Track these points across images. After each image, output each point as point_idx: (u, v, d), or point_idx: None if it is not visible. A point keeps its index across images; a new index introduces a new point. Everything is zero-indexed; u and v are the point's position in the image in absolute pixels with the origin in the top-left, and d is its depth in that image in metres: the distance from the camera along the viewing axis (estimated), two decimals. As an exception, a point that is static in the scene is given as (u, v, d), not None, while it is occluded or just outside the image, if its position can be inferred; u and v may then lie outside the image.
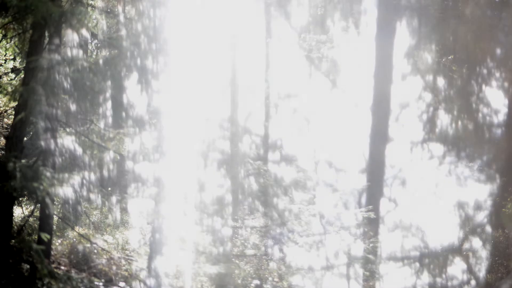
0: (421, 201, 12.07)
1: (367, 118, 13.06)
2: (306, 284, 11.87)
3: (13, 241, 10.07)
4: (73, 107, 10.35)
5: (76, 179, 9.93)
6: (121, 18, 11.26)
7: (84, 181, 10.15)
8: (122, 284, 11.53)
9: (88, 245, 12.04)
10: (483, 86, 12.37)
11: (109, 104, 10.27)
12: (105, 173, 10.71)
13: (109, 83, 10.04)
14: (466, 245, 11.81)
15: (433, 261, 11.78)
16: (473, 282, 11.72)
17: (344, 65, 13.52)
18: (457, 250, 11.59)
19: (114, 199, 11.03)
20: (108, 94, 10.09)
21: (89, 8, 10.85)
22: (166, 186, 10.71)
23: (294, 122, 14.25)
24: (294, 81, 14.35)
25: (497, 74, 12.63)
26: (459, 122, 12.37)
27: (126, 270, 11.94)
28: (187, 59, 11.58)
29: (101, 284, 11.19)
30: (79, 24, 9.89)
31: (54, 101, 9.73)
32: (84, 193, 10.19)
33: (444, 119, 12.32)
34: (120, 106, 10.17)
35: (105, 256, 12.05)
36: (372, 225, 12.34)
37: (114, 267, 11.93)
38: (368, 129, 12.87)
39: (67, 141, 10.47)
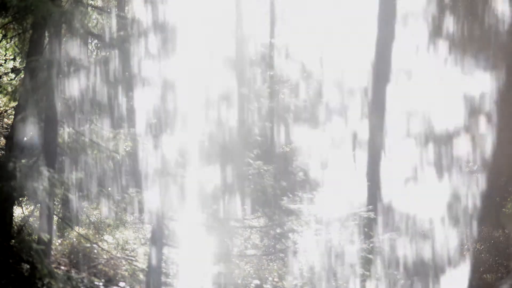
0: (427, 92, 12.09)
1: (374, 23, 13.03)
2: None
3: (13, 241, 10.07)
4: (73, 107, 10.36)
5: (76, 179, 9.94)
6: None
7: (84, 181, 10.16)
8: (122, 284, 11.52)
9: (88, 245, 12.03)
10: None
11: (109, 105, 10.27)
12: (105, 172, 10.71)
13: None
14: (473, 129, 11.88)
15: (439, 140, 11.87)
16: (478, 162, 11.86)
17: None
18: (462, 131, 11.67)
19: (114, 198, 11.03)
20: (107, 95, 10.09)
21: (89, 8, 10.85)
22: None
23: (300, 25, 14.24)
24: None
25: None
26: (465, 27, 12.38)
27: (126, 270, 11.94)
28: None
29: (101, 284, 11.19)
30: (79, 24, 9.88)
31: (54, 101, 9.73)
32: (84, 193, 10.20)
33: (450, 22, 12.33)
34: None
35: (105, 256, 12.05)
36: (378, 111, 12.38)
37: (114, 267, 11.93)
38: (375, 30, 12.84)
39: (67, 141, 10.48)
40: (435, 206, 11.64)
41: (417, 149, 12.03)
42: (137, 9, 10.35)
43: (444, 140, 11.90)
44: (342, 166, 12.64)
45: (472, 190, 11.71)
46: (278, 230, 12.96)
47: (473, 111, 11.89)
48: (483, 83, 11.99)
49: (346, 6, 13.79)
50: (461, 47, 12.14)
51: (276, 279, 12.55)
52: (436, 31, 12.45)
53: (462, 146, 11.86)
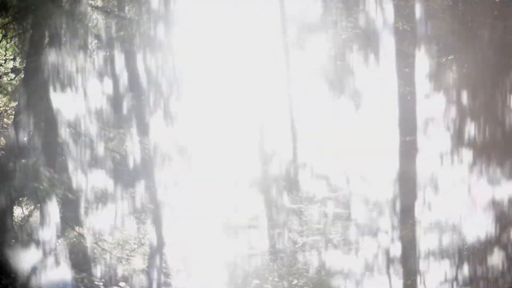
0: (455, 203, 12.16)
1: (395, 135, 13.19)
2: (348, 285, 12.09)
3: (13, 241, 10.07)
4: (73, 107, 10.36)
5: (76, 178, 9.95)
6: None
7: (84, 181, 10.16)
8: (122, 284, 11.53)
9: (88, 245, 12.03)
10: (508, 96, 12.52)
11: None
12: (105, 172, 10.72)
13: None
14: (504, 237, 11.87)
15: (472, 253, 11.85)
16: None
17: (367, 91, 13.75)
18: (495, 242, 11.65)
19: (114, 198, 11.04)
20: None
21: (89, 8, 10.85)
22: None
23: (321, 145, 14.55)
24: (320, 106, 14.74)
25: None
26: (487, 130, 12.46)
27: (126, 270, 11.94)
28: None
29: (101, 284, 11.19)
30: (79, 24, 9.89)
31: (54, 101, 9.74)
32: (84, 193, 10.20)
33: (471, 130, 12.44)
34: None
35: (105, 256, 12.05)
36: (408, 229, 12.53)
37: (114, 267, 11.94)
38: (396, 145, 13.01)
39: (67, 141, 10.49)
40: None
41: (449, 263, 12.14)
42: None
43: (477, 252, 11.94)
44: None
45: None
46: (278, 230, 12.99)
47: (503, 218, 11.95)
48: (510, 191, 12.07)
49: (364, 116, 13.89)
50: (485, 155, 12.21)
51: (276, 279, 12.55)
52: (458, 139, 12.53)
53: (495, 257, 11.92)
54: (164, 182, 10.67)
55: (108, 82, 10.20)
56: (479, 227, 11.69)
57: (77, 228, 12.49)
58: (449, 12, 13.01)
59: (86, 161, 10.70)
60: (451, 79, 13.00)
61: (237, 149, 13.64)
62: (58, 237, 12.04)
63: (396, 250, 12.42)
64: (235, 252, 12.17)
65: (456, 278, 11.65)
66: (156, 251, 10.89)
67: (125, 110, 10.92)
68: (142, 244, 12.96)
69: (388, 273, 12.06)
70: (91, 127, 11.20)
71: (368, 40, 13.08)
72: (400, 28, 13.31)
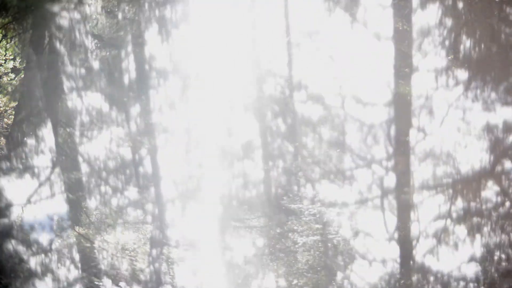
0: (450, 128, 11.98)
1: (390, 50, 12.99)
2: (341, 219, 11.95)
3: (13, 241, 10.07)
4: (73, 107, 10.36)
5: (76, 179, 9.93)
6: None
7: (84, 181, 10.15)
8: (122, 284, 11.53)
9: (88, 245, 12.03)
10: (504, 6, 12.27)
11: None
12: (105, 172, 10.71)
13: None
14: (498, 168, 11.72)
15: (466, 186, 11.71)
16: (507, 204, 11.66)
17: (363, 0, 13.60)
18: (489, 173, 11.51)
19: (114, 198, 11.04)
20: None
21: (89, 8, 10.85)
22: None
23: (317, 60, 14.34)
24: (314, 19, 14.52)
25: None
26: (482, 45, 12.24)
27: (126, 270, 11.94)
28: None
29: (101, 284, 11.19)
30: (79, 24, 9.88)
31: (55, 101, 9.74)
32: (85, 193, 10.19)
33: (466, 44, 12.23)
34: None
35: (105, 256, 12.05)
36: (403, 156, 12.35)
37: (114, 267, 11.93)
38: (392, 60, 12.83)
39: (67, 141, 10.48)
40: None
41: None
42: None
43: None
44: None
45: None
46: (278, 230, 12.98)
47: (498, 145, 11.82)
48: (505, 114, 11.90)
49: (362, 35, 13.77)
50: (480, 73, 12.06)
51: (276, 279, 12.54)
52: (454, 56, 12.38)
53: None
54: (160, 104, 10.50)
55: (107, 83, 10.20)
56: (473, 155, 11.56)
57: (77, 228, 12.49)
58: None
59: (86, 160, 10.70)
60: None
61: (232, 67, 13.27)
62: (58, 237, 12.06)
63: (391, 181, 12.26)
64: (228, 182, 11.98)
65: (449, 213, 11.57)
66: (156, 251, 10.87)
67: (126, 110, 10.92)
68: (142, 244, 12.95)
69: (382, 207, 11.97)
70: (92, 127, 11.22)
71: None
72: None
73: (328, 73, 13.97)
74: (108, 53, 10.86)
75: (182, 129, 11.05)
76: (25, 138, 10.47)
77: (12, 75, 13.92)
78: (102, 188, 10.99)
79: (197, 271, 12.17)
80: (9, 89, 10.96)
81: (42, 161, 10.65)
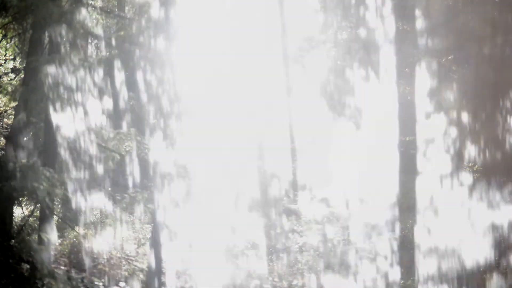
0: (455, 227, 12.13)
1: (395, 157, 13.16)
2: None
3: (13, 241, 10.06)
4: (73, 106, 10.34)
5: (76, 179, 9.93)
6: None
7: (84, 181, 10.14)
8: (122, 284, 11.53)
9: (88, 245, 12.03)
10: (508, 117, 12.46)
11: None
12: (105, 172, 10.71)
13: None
14: (503, 262, 11.83)
15: (471, 279, 11.80)
16: None
17: (367, 110, 13.72)
18: (494, 268, 11.63)
19: (114, 198, 11.03)
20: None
21: (89, 8, 10.84)
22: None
23: (321, 166, 14.56)
24: (319, 127, 14.78)
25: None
26: (487, 152, 12.39)
27: (126, 270, 11.94)
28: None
29: (101, 284, 11.19)
30: (79, 24, 9.88)
31: (54, 101, 9.72)
32: (84, 193, 10.18)
33: (471, 151, 12.38)
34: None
35: (105, 256, 12.05)
36: (407, 253, 12.53)
37: (114, 267, 11.93)
38: (396, 167, 12.99)
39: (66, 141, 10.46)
40: None
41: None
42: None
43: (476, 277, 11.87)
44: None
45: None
46: (278, 230, 12.99)
47: (502, 243, 11.89)
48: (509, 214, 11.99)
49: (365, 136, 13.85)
50: (485, 178, 12.14)
51: (276, 279, 12.55)
52: (458, 160, 12.45)
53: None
54: (164, 203, 10.67)
55: (107, 83, 10.19)
56: (478, 252, 11.67)
57: (77, 228, 12.49)
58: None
59: (86, 160, 10.68)
60: (451, 97, 12.95)
61: (237, 169, 13.68)
62: (58, 237, 12.06)
63: (395, 274, 12.41)
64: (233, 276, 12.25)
65: None
66: (156, 251, 10.87)
67: (126, 110, 10.91)
68: (142, 244, 12.96)
69: None
70: (92, 127, 11.20)
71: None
72: (400, 28, 13.28)
73: (333, 178, 14.20)
74: (107, 53, 10.88)
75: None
76: (25, 138, 10.48)
77: (12, 75, 13.91)
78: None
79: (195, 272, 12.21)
80: (9, 89, 10.95)
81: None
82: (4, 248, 9.64)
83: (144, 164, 10.81)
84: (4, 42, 12.30)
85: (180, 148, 10.61)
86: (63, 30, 10.09)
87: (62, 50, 9.93)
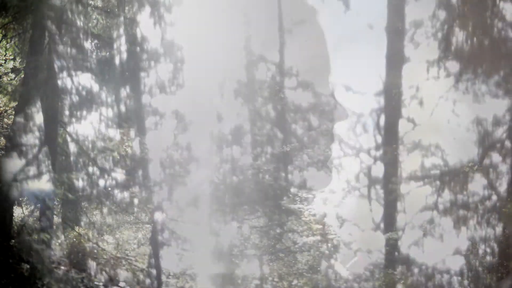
0: (439, 119, 11.90)
1: (383, 40, 12.91)
2: (327, 206, 11.92)
3: (13, 241, 10.07)
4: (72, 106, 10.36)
5: (76, 179, 9.93)
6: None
7: (84, 181, 10.15)
8: (122, 284, 11.53)
9: (88, 245, 12.03)
10: (497, 1, 12.16)
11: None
12: (105, 172, 10.71)
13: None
14: (486, 161, 11.63)
15: (453, 178, 11.63)
16: (494, 197, 11.59)
17: None
18: (477, 166, 11.43)
19: (114, 198, 11.04)
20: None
21: (89, 8, 10.85)
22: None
23: (308, 47, 14.24)
24: (306, 7, 14.42)
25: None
26: (475, 38, 12.11)
27: (126, 270, 11.94)
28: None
29: (101, 284, 11.19)
30: (79, 24, 9.89)
31: (54, 101, 9.74)
32: (85, 193, 10.20)
33: (459, 36, 12.11)
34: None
35: (105, 256, 12.05)
36: (391, 146, 12.28)
37: (114, 267, 11.93)
38: (383, 50, 12.75)
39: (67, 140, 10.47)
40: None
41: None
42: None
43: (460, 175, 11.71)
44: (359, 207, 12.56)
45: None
46: (278, 230, 12.98)
47: (486, 138, 11.68)
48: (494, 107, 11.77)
49: (354, 21, 13.62)
50: (471, 67, 11.93)
51: (276, 279, 12.55)
52: (445, 47, 12.24)
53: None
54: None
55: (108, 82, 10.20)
56: (462, 148, 11.49)
57: (77, 228, 12.49)
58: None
59: (86, 160, 10.69)
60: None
61: (224, 50, 13.22)
62: (58, 237, 12.06)
63: (378, 170, 12.18)
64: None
65: (436, 205, 11.50)
66: (156, 251, 10.89)
67: (126, 110, 10.92)
68: (142, 244, 12.96)
69: (369, 196, 11.90)
70: (92, 127, 11.21)
71: None
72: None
73: (320, 61, 13.88)
74: (107, 53, 10.87)
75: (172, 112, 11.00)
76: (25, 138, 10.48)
77: (12, 75, 13.91)
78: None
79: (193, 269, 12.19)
80: (9, 89, 10.96)
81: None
82: (4, 248, 9.64)
83: (144, 164, 10.81)
84: (4, 42, 12.31)
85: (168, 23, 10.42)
86: (63, 30, 10.11)
87: (62, 50, 9.95)
